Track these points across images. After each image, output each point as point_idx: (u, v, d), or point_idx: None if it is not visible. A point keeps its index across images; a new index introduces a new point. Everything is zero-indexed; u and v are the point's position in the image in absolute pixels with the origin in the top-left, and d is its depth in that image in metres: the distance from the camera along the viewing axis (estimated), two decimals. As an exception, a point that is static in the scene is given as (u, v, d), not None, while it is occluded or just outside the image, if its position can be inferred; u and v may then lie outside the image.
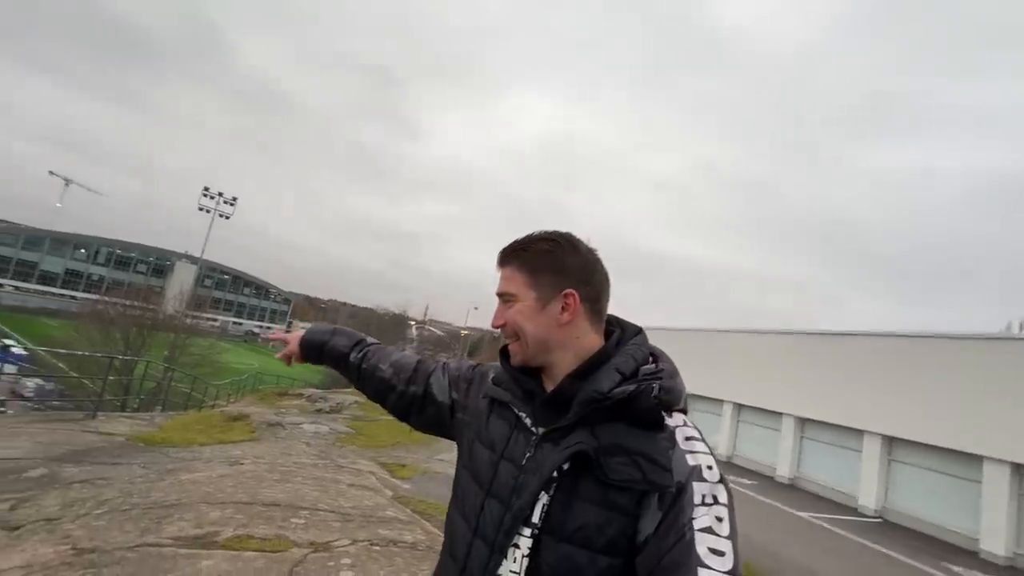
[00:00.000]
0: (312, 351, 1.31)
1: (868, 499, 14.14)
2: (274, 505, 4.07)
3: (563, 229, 0.98)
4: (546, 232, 0.97)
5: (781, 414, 17.52)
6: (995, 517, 11.40)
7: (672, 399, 0.86)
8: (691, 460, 0.80)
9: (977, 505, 11.77)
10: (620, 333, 0.95)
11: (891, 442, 14.21)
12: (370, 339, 1.33)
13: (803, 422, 17.05)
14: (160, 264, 75.96)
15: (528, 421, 0.92)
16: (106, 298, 27.73)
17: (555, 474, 0.82)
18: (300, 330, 1.36)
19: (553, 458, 0.83)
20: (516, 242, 0.98)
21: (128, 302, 25.91)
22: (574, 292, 0.91)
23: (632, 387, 0.83)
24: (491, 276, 1.23)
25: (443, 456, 8.92)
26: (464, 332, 52.24)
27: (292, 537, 3.44)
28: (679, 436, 0.82)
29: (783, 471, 17.02)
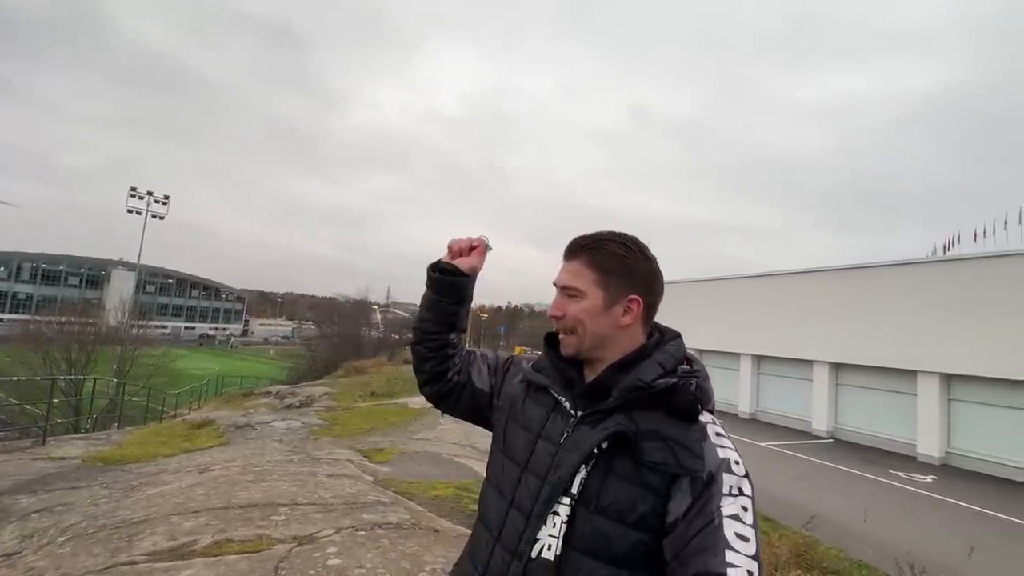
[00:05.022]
0: (454, 290, 1.14)
1: (820, 423, 15.33)
2: (251, 506, 4.00)
3: (629, 232, 1.00)
4: (618, 233, 1.00)
5: (739, 354, 18.53)
6: (928, 424, 12.63)
7: (705, 398, 0.93)
8: (721, 453, 0.86)
9: (913, 415, 12.98)
10: (659, 336, 1.01)
11: (837, 368, 15.34)
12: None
13: (759, 359, 18.11)
14: (93, 275, 70.89)
15: (567, 405, 0.98)
16: (38, 317, 25.78)
17: (595, 451, 0.89)
18: (479, 259, 1.17)
19: (594, 436, 0.90)
20: (587, 238, 1.00)
21: (64, 319, 24.18)
22: (639, 299, 0.96)
23: (674, 380, 0.90)
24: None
25: (421, 436, 8.98)
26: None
27: (274, 535, 3.41)
28: (710, 431, 0.89)
29: (744, 407, 18.13)
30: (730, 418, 17.60)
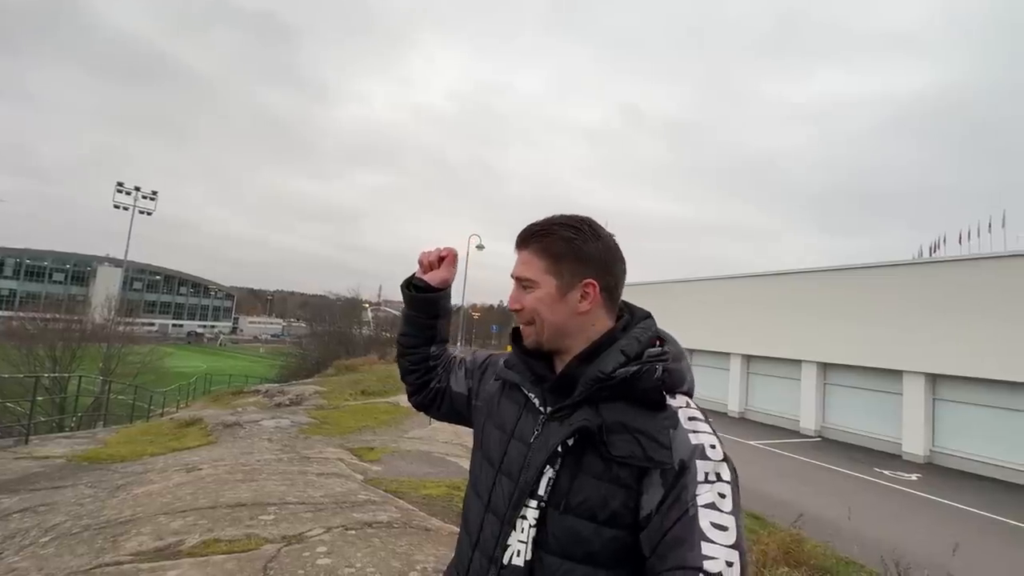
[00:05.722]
0: (427, 306, 1.17)
1: (808, 422, 15.50)
2: (240, 506, 3.96)
3: (583, 213, 0.97)
4: (567, 216, 0.95)
5: (729, 354, 18.67)
6: (913, 423, 12.82)
7: (675, 381, 0.88)
8: (694, 439, 0.82)
9: (899, 414, 13.16)
10: (628, 317, 0.96)
11: (825, 368, 15.52)
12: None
13: (748, 359, 18.26)
14: (79, 271, 69.87)
15: (536, 401, 0.94)
16: (21, 314, 25.32)
17: (559, 449, 0.85)
18: (449, 270, 1.18)
19: (559, 433, 0.86)
20: (536, 225, 0.96)
21: (49, 315, 23.78)
22: (595, 282, 0.92)
23: (635, 368, 0.85)
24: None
25: (412, 434, 8.96)
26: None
27: (263, 534, 3.38)
28: (682, 416, 0.84)
29: (733, 406, 18.28)
30: (720, 417, 17.73)
